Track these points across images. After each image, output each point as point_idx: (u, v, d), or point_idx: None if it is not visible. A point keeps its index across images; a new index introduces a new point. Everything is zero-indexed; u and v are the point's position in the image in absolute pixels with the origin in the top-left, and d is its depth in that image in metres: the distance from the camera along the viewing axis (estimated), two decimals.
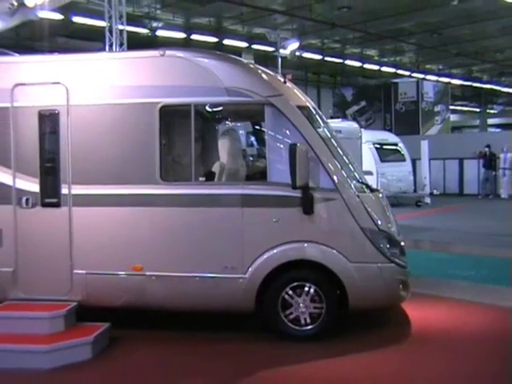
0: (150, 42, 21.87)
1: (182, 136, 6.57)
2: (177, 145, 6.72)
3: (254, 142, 8.58)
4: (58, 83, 6.69)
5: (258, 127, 8.20)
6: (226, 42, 26.97)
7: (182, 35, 25.33)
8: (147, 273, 6.50)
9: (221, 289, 6.42)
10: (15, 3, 15.12)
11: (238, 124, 8.56)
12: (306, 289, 6.38)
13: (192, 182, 6.49)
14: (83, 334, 6.30)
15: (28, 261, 6.78)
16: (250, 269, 6.33)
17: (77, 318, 6.64)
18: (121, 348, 6.49)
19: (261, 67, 7.08)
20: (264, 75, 6.84)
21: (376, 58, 35.37)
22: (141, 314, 7.16)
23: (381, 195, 7.25)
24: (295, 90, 7.14)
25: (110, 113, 6.66)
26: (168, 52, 6.66)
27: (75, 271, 6.68)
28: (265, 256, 6.33)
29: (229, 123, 8.27)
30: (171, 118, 6.60)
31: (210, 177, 6.89)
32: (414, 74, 37.93)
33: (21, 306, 6.69)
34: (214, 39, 26.65)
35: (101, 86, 6.73)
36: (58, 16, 18.73)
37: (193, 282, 6.43)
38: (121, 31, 14.79)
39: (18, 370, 5.88)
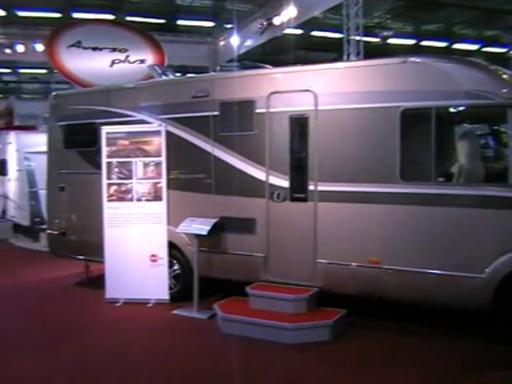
0: (381, 50, 22.31)
1: (422, 138, 6.80)
2: (416, 146, 6.96)
3: (493, 144, 8.48)
4: (308, 90, 7.43)
5: (497, 129, 8.14)
6: (456, 46, 26.38)
7: (411, 42, 25.40)
8: (384, 266, 6.89)
9: (456, 286, 6.54)
10: (265, 23, 16.73)
11: (476, 126, 8.52)
12: None
13: (432, 182, 6.67)
14: (323, 317, 6.98)
15: (277, 248, 7.65)
16: (487, 269, 6.37)
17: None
18: (354, 333, 7.03)
19: (502, 69, 7.05)
20: (506, 77, 6.81)
21: None
22: (374, 304, 7.56)
23: None
24: None
25: (355, 116, 7.19)
26: (409, 59, 6.97)
27: (318, 260, 7.36)
28: (503, 257, 6.31)
29: (467, 125, 8.31)
30: (412, 120, 6.87)
31: (448, 177, 7.02)
32: None
33: (269, 287, 7.56)
34: (443, 44, 26.24)
35: (346, 92, 7.28)
36: (299, 31, 20.08)
37: (429, 277, 6.65)
38: (357, 41, 15.51)
39: (265, 341, 6.73)
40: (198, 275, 7.91)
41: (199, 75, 10.86)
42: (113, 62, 17.30)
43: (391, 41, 25.17)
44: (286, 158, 7.61)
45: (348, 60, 15.01)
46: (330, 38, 21.03)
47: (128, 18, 21.94)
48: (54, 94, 10.58)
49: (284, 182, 7.61)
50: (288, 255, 7.59)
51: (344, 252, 7.22)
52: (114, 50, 17.35)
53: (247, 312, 7.26)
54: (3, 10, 21.93)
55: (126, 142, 8.55)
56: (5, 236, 15.85)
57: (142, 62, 17.34)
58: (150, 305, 8.38)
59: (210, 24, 23.28)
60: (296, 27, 19.05)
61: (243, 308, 7.39)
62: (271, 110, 7.68)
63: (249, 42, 20.60)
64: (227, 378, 5.85)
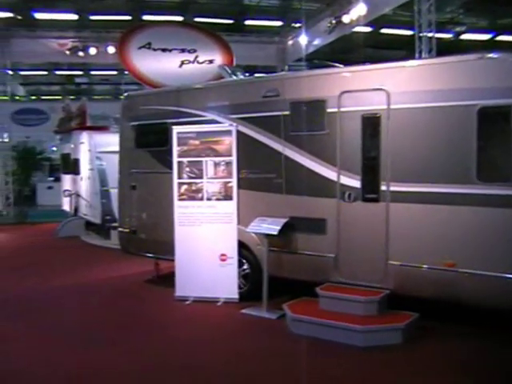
0: (454, 47, 21.76)
1: (500, 137, 6.57)
2: (494, 145, 6.70)
3: None
4: (380, 89, 7.29)
5: None
6: None
7: (486, 37, 24.59)
8: (460, 269, 6.67)
9: None
10: (333, 22, 16.60)
11: None
12: None
13: (511, 183, 6.39)
14: (395, 320, 6.85)
15: (348, 249, 7.56)
16: None
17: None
18: (427, 338, 6.84)
19: None
20: None
21: None
22: (448, 308, 7.37)
23: None
24: None
25: (429, 115, 6.99)
26: (486, 55, 6.71)
27: (390, 262, 7.20)
28: None
29: None
30: (489, 119, 6.62)
31: None
32: None
33: (339, 288, 7.47)
34: None
35: (419, 91, 7.09)
36: (368, 29, 19.84)
37: (507, 282, 6.40)
38: (429, 38, 15.15)
39: (334, 343, 6.65)
40: (269, 275, 7.91)
41: (269, 75, 10.86)
42: (182, 63, 17.56)
43: (464, 36, 24.45)
44: (357, 158, 7.49)
45: (420, 57, 14.70)
46: (400, 35, 20.63)
47: (196, 19, 22.23)
48: (125, 94, 10.84)
49: (355, 182, 7.49)
50: (359, 256, 7.47)
51: (417, 254, 7.03)
52: (183, 50, 17.62)
53: (316, 313, 7.20)
54: (76, 14, 22.67)
55: (197, 142, 8.64)
56: (77, 233, 16.37)
57: (211, 62, 17.53)
58: (219, 303, 8.44)
59: (278, 23, 23.29)
60: (365, 25, 18.79)
61: (312, 309, 7.33)
62: (342, 109, 7.58)
63: (317, 41, 20.53)
64: (298, 379, 5.81)
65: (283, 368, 6.07)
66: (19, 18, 22.10)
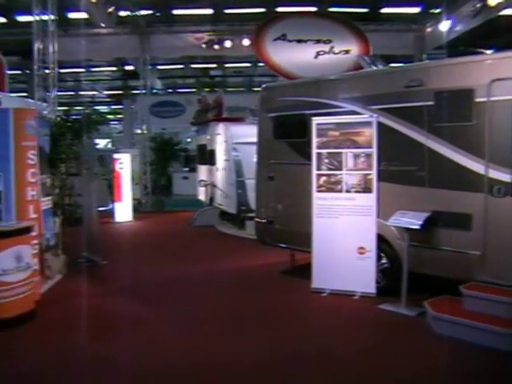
0: None
1: None
2: None
3: None
4: None
5: None
6: None
7: None
8: None
9: None
10: (478, 5, 15.69)
11: None
12: None
13: None
14: None
15: (496, 246, 7.12)
16: None
17: None
18: None
19: None
20: None
21: None
22: None
23: None
24: None
25: None
26: None
27: None
28: None
29: None
30: None
31: None
32: None
33: (485, 287, 7.06)
34: None
35: None
36: None
37: None
38: None
39: (478, 345, 6.31)
40: (408, 270, 7.68)
41: (412, 64, 10.53)
42: (317, 54, 17.45)
43: None
44: (509, 150, 7.02)
45: None
46: None
47: (331, 9, 22.02)
48: (263, 86, 10.96)
49: (506, 176, 7.02)
50: (508, 255, 7.00)
51: None
52: (318, 41, 17.50)
53: (460, 313, 6.86)
54: (212, 8, 23.33)
55: (337, 133, 8.56)
56: (212, 223, 16.87)
57: (347, 52, 17.29)
58: (355, 297, 8.34)
59: (416, 10, 22.45)
60: None
61: (456, 308, 6.99)
62: (493, 98, 7.12)
63: (459, 27, 19.49)
64: (441, 379, 5.63)
65: (424, 366, 5.88)
66: (158, 14, 23.09)
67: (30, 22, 14.96)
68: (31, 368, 5.97)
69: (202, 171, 20.25)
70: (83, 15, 19.30)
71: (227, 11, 23.66)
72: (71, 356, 6.28)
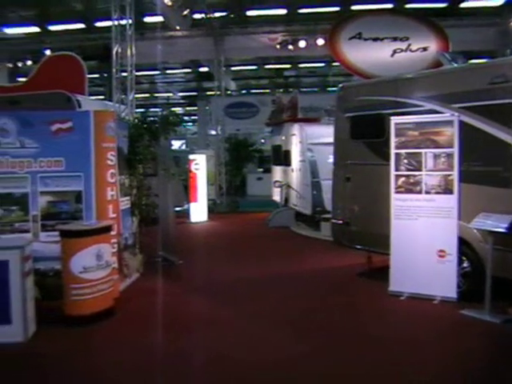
0: None
1: None
2: None
3: None
4: None
5: None
6: None
7: None
8: None
9: None
10: None
11: None
12: None
13: None
14: None
15: None
16: None
17: None
18: None
19: None
20: None
21: None
22: None
23: None
24: None
25: None
26: None
27: None
28: None
29: None
30: None
31: None
32: None
33: None
34: None
35: None
36: None
37: None
38: None
39: None
40: (492, 275, 7.37)
41: (497, 59, 10.12)
42: (394, 52, 17.12)
43: None
44: None
45: None
46: None
47: (408, 6, 21.53)
48: (340, 86, 10.82)
49: None
50: None
51: None
52: (394, 39, 17.17)
53: None
54: (286, 9, 23.32)
55: (416, 133, 8.31)
56: (287, 224, 16.79)
57: (425, 49, 16.86)
58: (435, 302, 8.07)
59: (499, 2, 21.55)
60: None
61: None
62: None
63: None
64: None
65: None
66: (231, 16, 23.29)
67: (107, 27, 15.39)
68: (108, 362, 6.18)
69: (277, 172, 20.27)
70: (159, 19, 19.71)
71: (301, 11, 23.60)
72: (148, 353, 6.39)
